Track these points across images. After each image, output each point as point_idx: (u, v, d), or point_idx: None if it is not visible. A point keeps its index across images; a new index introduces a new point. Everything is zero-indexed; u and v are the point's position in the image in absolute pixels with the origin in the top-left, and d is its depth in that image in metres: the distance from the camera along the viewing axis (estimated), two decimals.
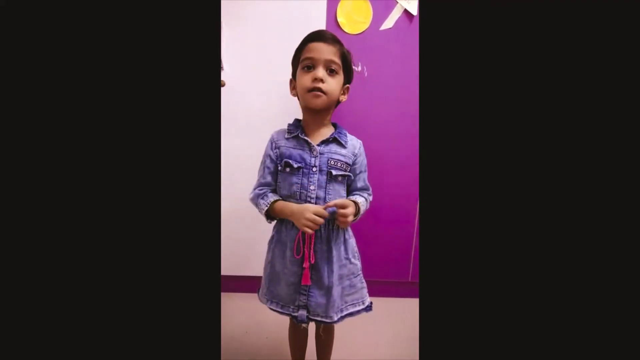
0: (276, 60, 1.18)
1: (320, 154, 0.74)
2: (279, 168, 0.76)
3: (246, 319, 1.23)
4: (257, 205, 0.78)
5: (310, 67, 0.72)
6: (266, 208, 0.74)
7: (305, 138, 0.75)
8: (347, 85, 0.79)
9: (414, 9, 1.19)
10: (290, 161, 0.74)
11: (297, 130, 0.76)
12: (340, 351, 0.99)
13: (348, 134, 0.80)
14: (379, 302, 1.35)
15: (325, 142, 0.75)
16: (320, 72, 0.71)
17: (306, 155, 0.74)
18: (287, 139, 0.77)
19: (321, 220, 0.69)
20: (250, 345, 1.11)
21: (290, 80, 0.80)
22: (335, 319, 0.77)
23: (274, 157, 0.77)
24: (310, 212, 0.69)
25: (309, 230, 0.69)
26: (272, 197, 0.76)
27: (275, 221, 0.80)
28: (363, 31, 1.21)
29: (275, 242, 0.79)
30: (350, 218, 0.71)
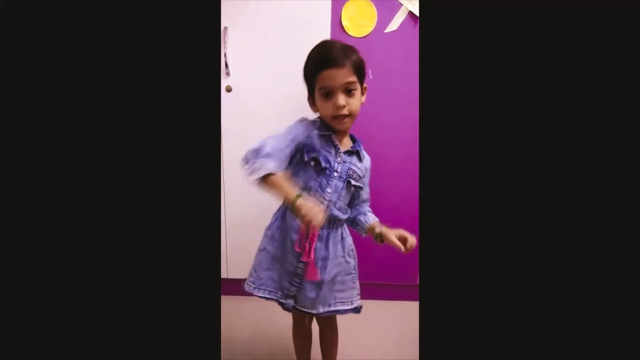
0: (282, 65, 1.19)
1: (344, 161, 0.76)
2: (305, 159, 0.73)
3: (253, 321, 1.23)
4: (255, 163, 0.66)
5: (329, 94, 0.72)
6: (265, 172, 0.65)
7: (336, 143, 0.76)
8: (365, 85, 0.78)
9: (418, 11, 1.19)
10: (319, 158, 0.73)
11: (330, 133, 0.76)
12: (345, 353, 0.99)
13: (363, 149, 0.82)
14: (386, 305, 1.35)
15: (350, 152, 0.78)
16: (341, 99, 0.70)
17: (331, 158, 0.75)
18: (317, 135, 0.75)
19: (319, 218, 0.62)
20: (257, 347, 1.11)
21: (309, 98, 0.78)
22: (321, 311, 0.78)
23: (302, 144, 0.73)
24: (314, 204, 0.63)
25: (309, 215, 0.62)
26: (278, 168, 0.67)
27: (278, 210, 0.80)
28: (367, 34, 1.21)
29: (276, 228, 0.79)
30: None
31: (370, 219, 0.83)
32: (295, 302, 0.78)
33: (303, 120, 0.78)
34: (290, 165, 0.76)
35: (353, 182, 0.77)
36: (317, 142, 0.75)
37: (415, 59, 1.22)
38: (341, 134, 0.78)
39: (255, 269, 0.82)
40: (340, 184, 0.76)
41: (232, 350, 1.08)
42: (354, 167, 0.77)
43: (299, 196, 0.64)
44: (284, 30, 1.18)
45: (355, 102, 0.74)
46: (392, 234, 0.75)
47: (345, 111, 0.72)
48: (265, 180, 0.66)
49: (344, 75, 0.70)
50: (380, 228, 0.79)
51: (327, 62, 0.71)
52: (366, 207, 0.85)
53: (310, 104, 0.79)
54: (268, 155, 0.67)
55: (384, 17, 1.20)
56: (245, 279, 0.81)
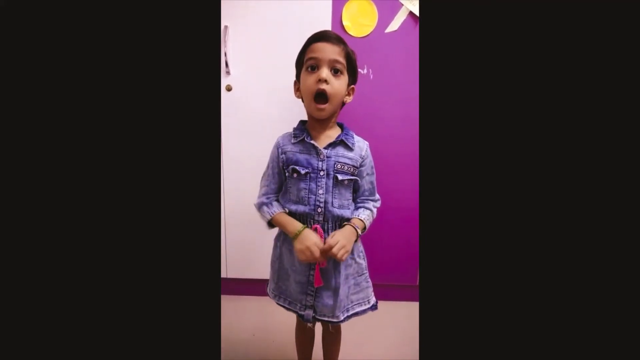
0: (282, 64, 1.18)
1: (327, 157, 0.73)
2: (287, 174, 0.75)
3: (253, 321, 1.23)
4: (261, 213, 0.78)
5: (315, 67, 0.71)
6: (269, 217, 0.76)
7: (312, 142, 0.73)
8: (352, 86, 0.77)
9: (418, 11, 1.19)
10: (297, 168, 0.73)
11: (303, 134, 0.75)
12: (347, 354, 0.99)
13: (355, 135, 0.78)
14: (387, 306, 1.34)
15: (332, 145, 0.74)
16: (325, 72, 0.69)
17: (313, 160, 0.73)
18: (293, 143, 0.75)
19: (317, 255, 0.68)
20: (257, 347, 1.11)
21: (295, 82, 0.78)
22: (342, 318, 0.77)
23: (280, 164, 0.76)
24: (312, 242, 0.68)
25: (302, 257, 0.69)
26: (276, 208, 0.76)
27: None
28: (368, 34, 1.21)
29: (283, 240, 0.79)
30: (347, 248, 0.69)
31: (355, 213, 0.77)
32: (315, 312, 0.76)
33: (278, 140, 0.78)
34: (284, 182, 0.78)
35: (340, 177, 0.73)
36: (293, 152, 0.74)
37: (416, 58, 1.22)
38: (321, 127, 0.75)
39: (273, 278, 0.83)
40: (330, 182, 0.73)
41: (232, 350, 1.08)
42: (342, 160, 0.74)
43: (297, 234, 0.70)
44: (284, 30, 1.18)
45: (337, 86, 0.71)
46: (330, 238, 0.69)
47: (326, 87, 0.69)
48: (273, 222, 0.77)
49: (334, 51, 0.70)
50: (345, 224, 0.74)
51: (320, 37, 0.72)
52: (364, 202, 0.80)
53: (294, 90, 0.78)
54: (263, 204, 0.78)
55: (385, 17, 1.20)
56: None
